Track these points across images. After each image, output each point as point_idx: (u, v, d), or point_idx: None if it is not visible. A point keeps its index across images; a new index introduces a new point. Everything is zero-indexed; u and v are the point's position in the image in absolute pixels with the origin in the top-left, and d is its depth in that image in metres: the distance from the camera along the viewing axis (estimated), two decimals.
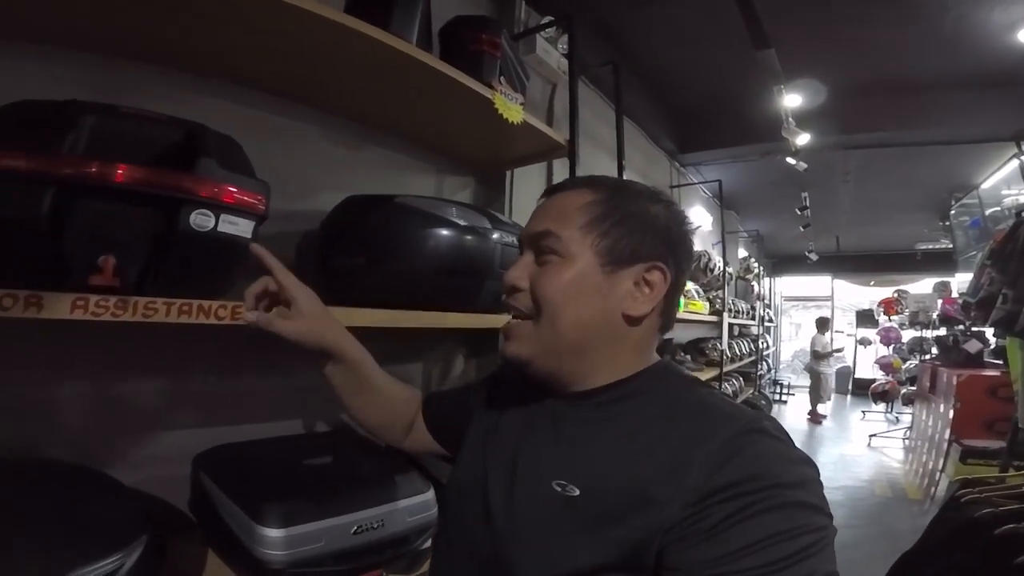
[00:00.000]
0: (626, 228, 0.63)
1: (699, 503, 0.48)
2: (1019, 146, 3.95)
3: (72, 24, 0.90)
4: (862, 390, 8.47)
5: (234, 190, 0.75)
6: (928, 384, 4.83)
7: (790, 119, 3.36)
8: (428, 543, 1.03)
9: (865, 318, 8.50)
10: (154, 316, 0.70)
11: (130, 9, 0.87)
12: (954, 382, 3.97)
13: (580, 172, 1.68)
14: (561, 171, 2.09)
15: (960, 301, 3.44)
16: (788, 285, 11.15)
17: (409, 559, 0.99)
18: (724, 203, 4.91)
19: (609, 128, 2.62)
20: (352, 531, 0.88)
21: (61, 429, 0.95)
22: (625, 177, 2.52)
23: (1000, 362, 3.84)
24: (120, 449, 1.01)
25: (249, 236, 0.78)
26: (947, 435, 4.03)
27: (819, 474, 0.51)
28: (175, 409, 1.09)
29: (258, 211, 0.79)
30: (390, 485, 0.97)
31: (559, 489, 0.57)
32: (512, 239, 1.21)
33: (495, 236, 1.18)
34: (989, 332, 4.20)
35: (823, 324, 8.09)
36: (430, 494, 1.02)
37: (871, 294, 9.23)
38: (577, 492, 0.55)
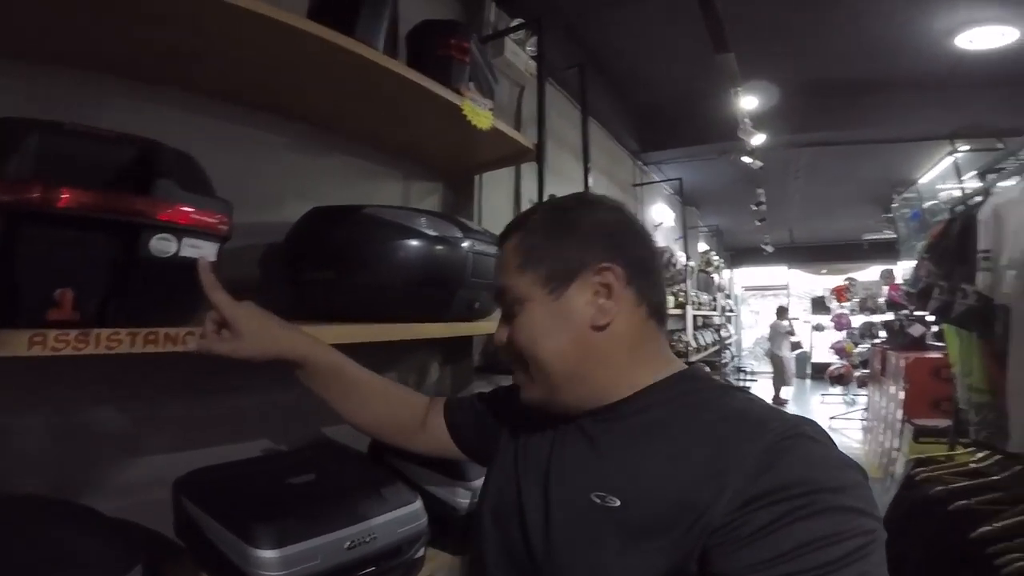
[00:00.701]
0: (553, 248, 0.63)
1: (740, 509, 0.47)
2: (953, 144, 4.14)
3: (11, 29, 0.81)
4: (820, 374, 8.79)
5: (196, 212, 0.70)
6: (879, 367, 5.00)
7: (746, 120, 3.43)
8: (420, 553, 1.01)
9: (819, 305, 8.80)
10: (119, 348, 0.65)
11: (76, 14, 0.80)
12: (902, 364, 4.14)
13: (548, 175, 1.67)
14: (529, 174, 2.07)
15: (904, 290, 3.57)
16: (746, 276, 11.44)
17: (403, 570, 0.98)
18: (685, 199, 5.00)
19: (575, 129, 2.63)
20: (346, 546, 0.86)
21: (28, 462, 0.89)
22: (590, 178, 2.53)
23: (942, 344, 4.02)
24: (93, 479, 0.96)
25: (213, 258, 0.74)
26: (899, 415, 4.19)
27: (867, 477, 0.50)
28: (148, 434, 1.04)
29: (221, 232, 0.75)
30: (378, 498, 0.95)
31: (598, 501, 0.55)
32: (483, 247, 1.20)
33: (466, 245, 1.16)
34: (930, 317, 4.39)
35: (782, 312, 8.42)
36: (418, 504, 1.00)
37: (824, 282, 9.56)
38: (617, 503, 0.54)
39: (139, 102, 1.02)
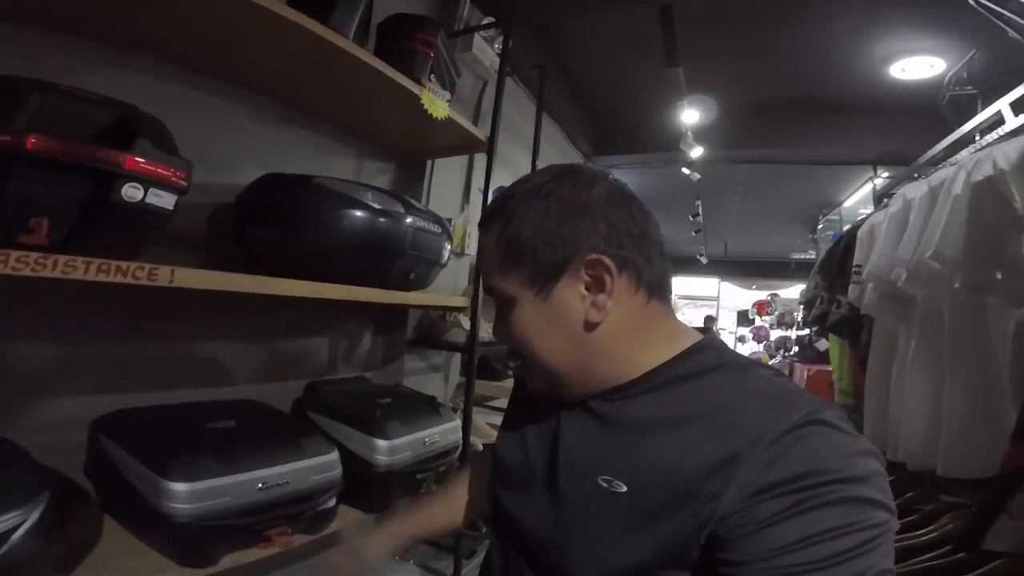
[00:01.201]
0: (534, 240, 0.58)
1: (751, 498, 0.46)
2: (875, 170, 4.48)
3: None
4: None
5: (163, 168, 0.81)
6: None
7: (688, 133, 3.67)
8: (332, 502, 1.08)
9: (744, 318, 9.40)
10: (73, 273, 0.72)
11: None
12: (805, 376, 4.55)
13: (497, 166, 1.78)
14: (481, 164, 2.18)
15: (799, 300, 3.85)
16: (681, 284, 11.98)
17: (313, 518, 1.04)
18: None
19: (532, 126, 2.74)
20: (257, 487, 0.92)
21: None
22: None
23: None
24: (6, 414, 0.97)
25: (171, 208, 0.84)
26: None
27: (884, 464, 0.48)
28: (71, 374, 1.06)
29: (181, 187, 0.85)
30: (295, 446, 1.01)
31: (605, 485, 0.54)
32: (424, 224, 1.29)
33: (408, 220, 1.24)
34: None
35: (709, 321, 8.96)
36: (334, 455, 1.07)
37: (752, 296, 10.18)
38: (624, 488, 0.53)
39: (114, 67, 1.07)
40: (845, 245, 1.91)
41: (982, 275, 1.11)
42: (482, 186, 1.81)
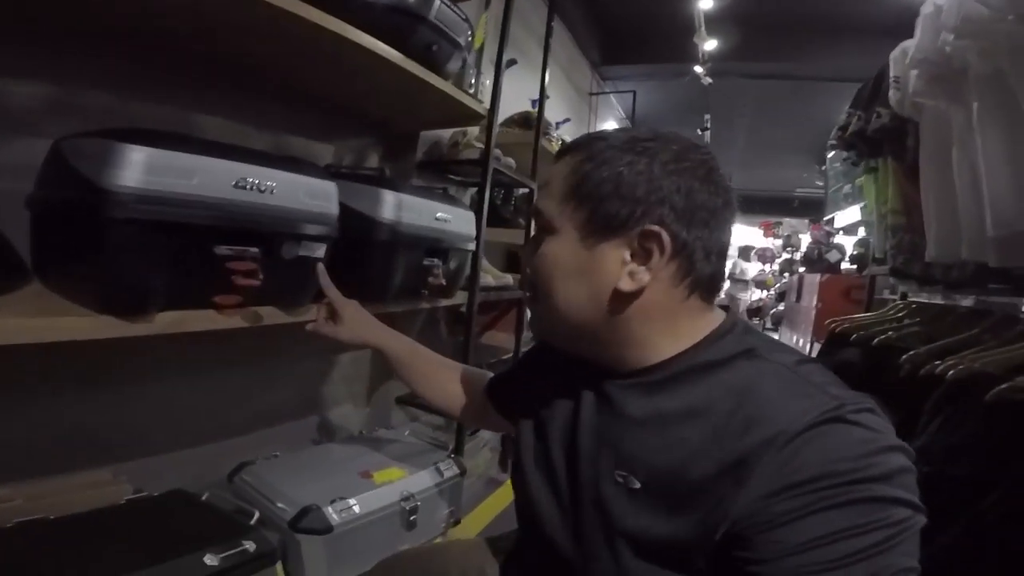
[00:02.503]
0: (606, 191, 0.53)
1: (763, 500, 0.44)
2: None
3: None
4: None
5: None
6: (795, 297, 5.37)
7: (702, 25, 3.45)
8: (320, 250, 0.91)
9: (745, 252, 9.28)
10: None
11: None
12: (817, 283, 4.46)
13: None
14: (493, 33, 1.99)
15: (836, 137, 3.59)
16: None
17: (292, 276, 0.87)
18: (635, 122, 5.01)
19: (541, 23, 2.54)
20: (232, 182, 0.72)
21: None
22: (548, 74, 2.45)
23: (854, 267, 4.34)
24: None
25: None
26: (810, 338, 4.54)
27: (912, 458, 0.45)
28: (57, 119, 0.88)
29: None
30: (290, 161, 0.85)
31: (621, 480, 0.52)
32: (450, 2, 1.18)
33: None
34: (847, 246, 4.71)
35: (745, 252, 8.72)
36: (332, 186, 0.90)
37: (754, 232, 10.02)
38: (638, 485, 0.51)
39: None
40: (875, 77, 1.80)
41: None
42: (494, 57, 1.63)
